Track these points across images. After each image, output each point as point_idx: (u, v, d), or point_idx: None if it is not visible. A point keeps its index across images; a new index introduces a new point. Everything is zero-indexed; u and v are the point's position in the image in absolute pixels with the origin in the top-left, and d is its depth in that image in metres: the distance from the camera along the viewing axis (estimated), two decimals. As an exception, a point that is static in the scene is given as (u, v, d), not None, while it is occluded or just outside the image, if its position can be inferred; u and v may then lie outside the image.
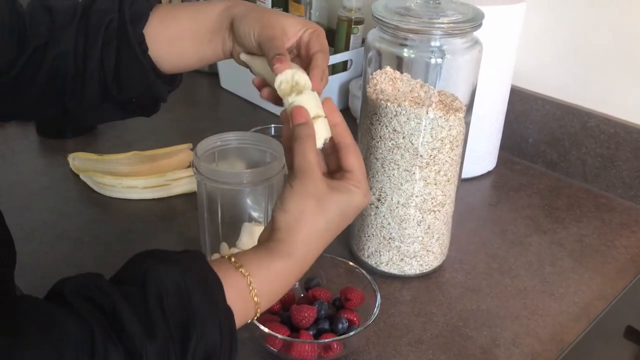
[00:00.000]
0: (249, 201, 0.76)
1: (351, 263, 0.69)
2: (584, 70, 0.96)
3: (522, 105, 1.01)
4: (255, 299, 0.46)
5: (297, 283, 0.70)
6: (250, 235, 0.72)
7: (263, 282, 0.47)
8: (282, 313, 0.65)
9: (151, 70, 0.61)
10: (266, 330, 0.60)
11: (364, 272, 0.68)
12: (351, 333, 0.61)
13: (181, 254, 0.46)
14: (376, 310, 0.63)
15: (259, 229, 0.69)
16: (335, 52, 1.17)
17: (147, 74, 0.61)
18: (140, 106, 0.65)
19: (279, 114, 1.18)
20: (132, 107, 0.64)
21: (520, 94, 1.01)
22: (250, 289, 0.46)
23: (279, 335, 0.60)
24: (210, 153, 0.74)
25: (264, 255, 0.48)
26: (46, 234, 0.81)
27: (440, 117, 0.66)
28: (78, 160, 0.94)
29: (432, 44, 0.66)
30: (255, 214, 0.77)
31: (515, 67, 0.96)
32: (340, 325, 0.63)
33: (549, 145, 1.00)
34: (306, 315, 0.62)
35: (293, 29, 0.58)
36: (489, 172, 1.00)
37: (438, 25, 0.65)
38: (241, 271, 0.46)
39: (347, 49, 1.17)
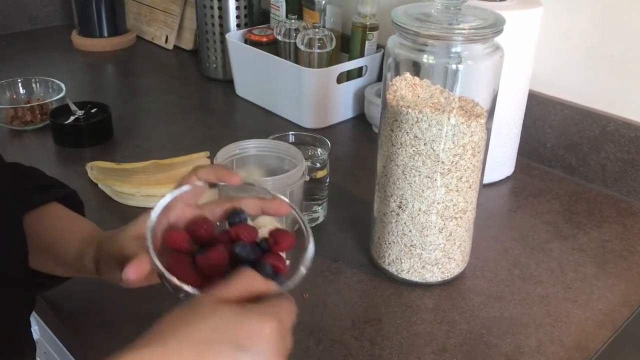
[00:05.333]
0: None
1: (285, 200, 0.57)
2: (603, 74, 0.95)
3: (540, 110, 1.01)
4: None
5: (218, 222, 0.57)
6: None
7: None
8: (196, 253, 0.52)
9: None
10: (174, 280, 0.46)
11: (299, 215, 0.56)
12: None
13: None
14: (307, 261, 0.51)
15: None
16: (350, 58, 1.17)
17: None
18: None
19: (295, 121, 1.18)
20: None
21: (538, 98, 1.00)
22: None
23: (186, 287, 0.46)
24: (229, 161, 0.73)
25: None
26: (66, 243, 0.81)
27: (462, 123, 0.66)
28: (96, 169, 0.94)
29: (453, 50, 0.66)
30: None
31: (533, 71, 0.95)
32: (262, 273, 0.49)
33: (567, 149, 1.00)
34: (215, 263, 0.50)
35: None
36: (508, 178, 1.00)
37: (459, 32, 0.64)
38: None
39: (361, 55, 1.17)
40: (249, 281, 0.43)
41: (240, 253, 0.51)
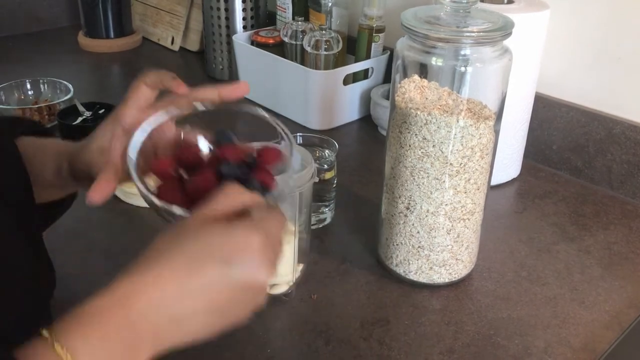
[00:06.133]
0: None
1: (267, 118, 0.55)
2: (609, 77, 0.95)
3: (546, 112, 1.01)
4: None
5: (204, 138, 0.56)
6: None
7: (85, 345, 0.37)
8: (184, 179, 0.52)
9: None
10: (163, 204, 0.46)
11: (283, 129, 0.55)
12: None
13: None
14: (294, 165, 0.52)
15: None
16: (356, 60, 1.18)
17: None
18: None
19: (302, 123, 1.18)
20: None
21: (544, 100, 1.01)
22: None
23: (175, 209, 0.46)
24: (239, 162, 0.74)
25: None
26: (76, 244, 0.82)
27: (471, 125, 0.66)
28: (104, 170, 0.95)
29: (462, 52, 0.66)
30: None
31: (540, 73, 0.96)
32: (251, 189, 0.48)
33: (573, 152, 1.00)
34: (203, 186, 0.48)
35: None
36: (514, 180, 1.00)
37: (468, 34, 0.65)
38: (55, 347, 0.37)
39: (368, 57, 1.17)
40: (233, 196, 0.44)
41: (227, 172, 0.50)
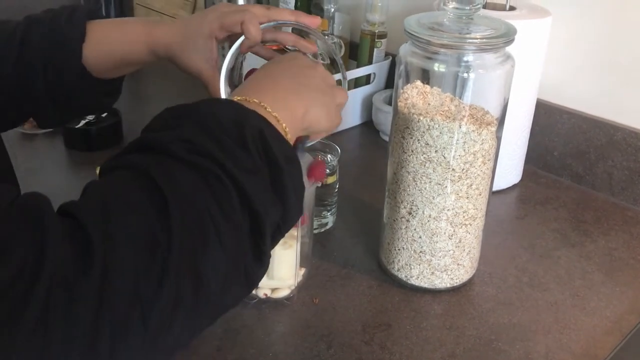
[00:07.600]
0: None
1: None
2: (611, 83, 0.96)
3: (547, 119, 1.02)
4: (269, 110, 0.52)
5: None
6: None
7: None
8: None
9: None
10: None
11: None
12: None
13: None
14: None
15: (285, 251, 0.70)
16: (358, 65, 1.18)
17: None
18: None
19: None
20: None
21: (546, 107, 1.01)
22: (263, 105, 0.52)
23: None
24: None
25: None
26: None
27: (473, 131, 0.67)
28: (107, 173, 0.95)
29: (464, 58, 0.67)
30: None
31: (541, 80, 0.96)
32: None
33: (574, 158, 1.00)
34: None
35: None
36: (515, 185, 1.00)
37: (471, 41, 0.65)
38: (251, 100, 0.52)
39: (370, 62, 1.18)
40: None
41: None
